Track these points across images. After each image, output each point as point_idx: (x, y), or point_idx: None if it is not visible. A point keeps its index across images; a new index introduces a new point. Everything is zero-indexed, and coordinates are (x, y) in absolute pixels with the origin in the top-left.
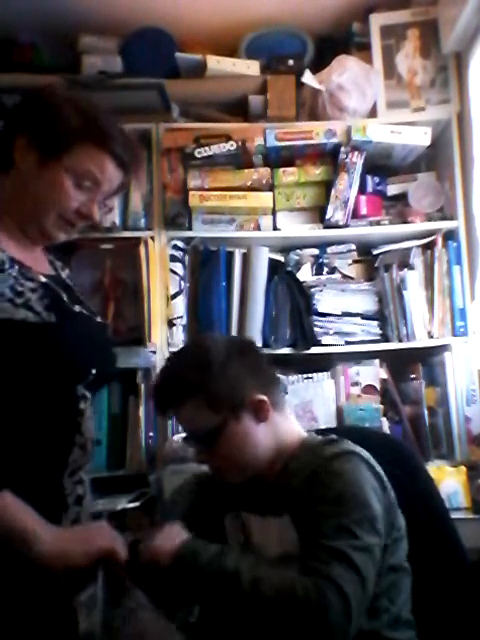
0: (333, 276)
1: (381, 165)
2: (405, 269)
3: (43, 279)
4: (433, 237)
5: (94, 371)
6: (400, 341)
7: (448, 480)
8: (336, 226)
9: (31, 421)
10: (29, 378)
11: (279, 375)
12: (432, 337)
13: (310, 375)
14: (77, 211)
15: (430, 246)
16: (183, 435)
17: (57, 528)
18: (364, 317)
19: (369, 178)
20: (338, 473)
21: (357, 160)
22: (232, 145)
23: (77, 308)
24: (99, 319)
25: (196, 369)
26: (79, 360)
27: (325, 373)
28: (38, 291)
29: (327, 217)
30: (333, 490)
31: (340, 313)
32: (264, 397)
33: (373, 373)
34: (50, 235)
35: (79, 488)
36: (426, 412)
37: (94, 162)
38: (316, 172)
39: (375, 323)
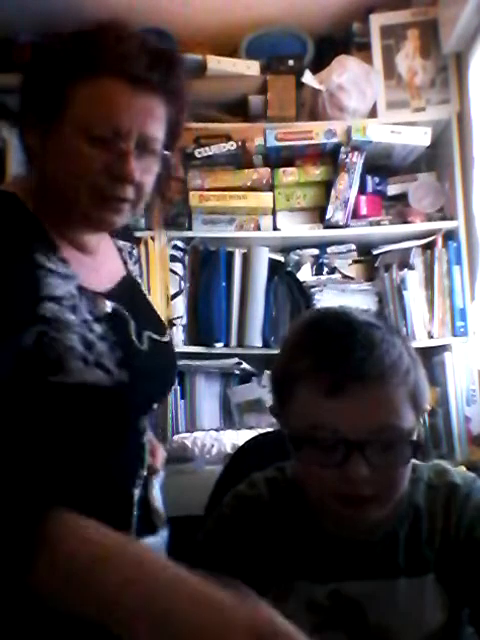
0: (333, 276)
1: (381, 165)
2: (405, 269)
3: (108, 306)
4: (433, 237)
5: (155, 404)
6: None
7: None
8: (336, 226)
9: (96, 468)
10: (93, 436)
11: None
12: (432, 337)
13: None
14: (107, 173)
15: (430, 246)
16: (362, 437)
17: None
18: None
19: (369, 178)
20: None
21: (357, 160)
22: (232, 145)
23: (145, 337)
24: (166, 338)
25: (405, 347)
26: (147, 408)
27: None
28: (107, 338)
29: (327, 217)
30: None
31: None
32: None
33: None
34: (99, 220)
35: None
36: (426, 412)
37: (98, 97)
38: (316, 172)
39: None
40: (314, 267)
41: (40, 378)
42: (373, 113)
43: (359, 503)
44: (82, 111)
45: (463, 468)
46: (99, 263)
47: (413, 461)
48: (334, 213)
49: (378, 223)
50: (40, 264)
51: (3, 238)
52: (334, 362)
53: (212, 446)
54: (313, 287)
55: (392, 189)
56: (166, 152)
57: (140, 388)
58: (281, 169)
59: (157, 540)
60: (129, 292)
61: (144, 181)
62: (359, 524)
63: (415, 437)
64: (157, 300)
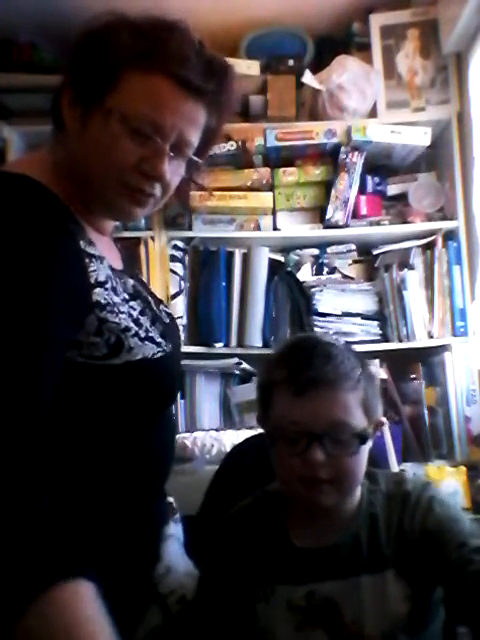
0: (333, 276)
1: (381, 165)
2: (405, 269)
3: (131, 283)
4: (433, 237)
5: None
6: (400, 341)
7: (448, 480)
8: (336, 226)
9: (151, 440)
10: (150, 409)
11: None
12: (432, 337)
13: None
14: (137, 169)
15: (430, 246)
16: (311, 432)
17: None
18: (364, 317)
19: (369, 178)
20: (438, 499)
21: (357, 160)
22: (232, 145)
23: (162, 311)
24: (171, 310)
25: (360, 366)
26: (180, 380)
27: None
28: (147, 312)
29: (327, 217)
30: (444, 511)
31: (340, 313)
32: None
33: None
34: (122, 210)
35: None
36: (426, 412)
37: (149, 91)
38: (316, 172)
39: (375, 323)
40: (314, 267)
41: (105, 362)
42: (373, 113)
43: (318, 484)
44: (128, 98)
45: (463, 468)
46: (109, 242)
47: (376, 471)
48: (334, 213)
49: (378, 223)
50: (85, 251)
51: (49, 226)
52: (299, 371)
53: (212, 446)
54: (313, 287)
55: (392, 189)
56: (195, 158)
57: (178, 359)
58: (281, 169)
59: (178, 530)
60: (132, 268)
61: (171, 181)
62: (320, 507)
63: (368, 437)
64: None
